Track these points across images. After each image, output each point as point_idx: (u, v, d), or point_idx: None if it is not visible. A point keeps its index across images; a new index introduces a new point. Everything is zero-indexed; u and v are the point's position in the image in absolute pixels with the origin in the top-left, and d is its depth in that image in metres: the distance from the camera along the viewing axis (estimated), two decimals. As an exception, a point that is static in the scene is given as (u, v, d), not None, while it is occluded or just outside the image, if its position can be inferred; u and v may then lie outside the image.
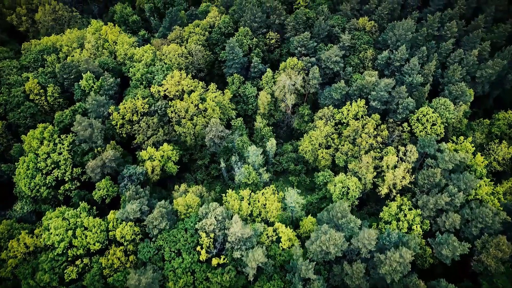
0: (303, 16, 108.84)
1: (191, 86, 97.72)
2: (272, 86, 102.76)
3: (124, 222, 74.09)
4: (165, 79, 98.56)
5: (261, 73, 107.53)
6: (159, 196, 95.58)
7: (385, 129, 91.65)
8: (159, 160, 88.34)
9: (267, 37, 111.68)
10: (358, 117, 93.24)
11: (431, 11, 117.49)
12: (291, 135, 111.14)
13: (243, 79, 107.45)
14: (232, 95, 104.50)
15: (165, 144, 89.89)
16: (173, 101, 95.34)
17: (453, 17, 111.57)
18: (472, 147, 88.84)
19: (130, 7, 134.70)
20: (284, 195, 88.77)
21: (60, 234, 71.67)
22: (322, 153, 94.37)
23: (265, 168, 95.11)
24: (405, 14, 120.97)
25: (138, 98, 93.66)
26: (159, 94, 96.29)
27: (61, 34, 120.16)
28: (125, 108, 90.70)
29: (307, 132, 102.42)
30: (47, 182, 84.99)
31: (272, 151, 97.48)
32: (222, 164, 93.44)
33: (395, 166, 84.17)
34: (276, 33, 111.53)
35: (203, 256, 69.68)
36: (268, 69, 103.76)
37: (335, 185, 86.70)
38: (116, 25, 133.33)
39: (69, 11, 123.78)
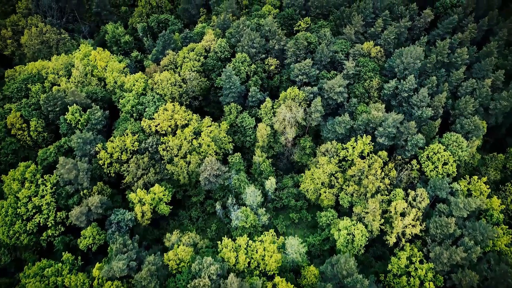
0: (304, 41, 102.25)
1: (185, 119, 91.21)
2: (271, 117, 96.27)
3: (109, 281, 67.63)
4: (157, 111, 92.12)
5: (259, 102, 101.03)
6: (151, 238, 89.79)
7: (393, 169, 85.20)
8: (150, 203, 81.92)
9: (266, 63, 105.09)
10: (363, 154, 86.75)
11: (439, 34, 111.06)
12: (291, 167, 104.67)
13: (241, 108, 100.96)
14: (229, 126, 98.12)
15: (156, 186, 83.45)
16: (165, 137, 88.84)
17: (463, 41, 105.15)
18: (487, 188, 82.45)
19: (122, 27, 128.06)
20: (285, 240, 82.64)
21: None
22: (325, 192, 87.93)
23: (264, 208, 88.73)
24: (412, 35, 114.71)
25: (127, 135, 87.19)
26: (150, 129, 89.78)
27: (48, 59, 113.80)
28: (113, 147, 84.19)
29: (309, 166, 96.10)
30: (28, 229, 78.59)
31: (272, 189, 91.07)
32: (218, 207, 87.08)
33: (404, 213, 77.75)
34: (275, 59, 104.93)
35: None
36: (267, 99, 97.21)
37: (339, 231, 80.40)
38: (106, 49, 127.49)
39: (57, 33, 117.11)
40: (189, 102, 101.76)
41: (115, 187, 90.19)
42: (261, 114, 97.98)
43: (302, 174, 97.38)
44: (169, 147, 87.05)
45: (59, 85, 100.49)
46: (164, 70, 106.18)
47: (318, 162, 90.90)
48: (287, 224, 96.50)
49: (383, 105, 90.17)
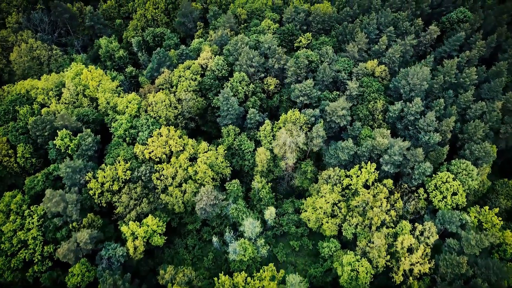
0: (305, 59, 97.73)
1: (180, 145, 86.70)
2: (271, 140, 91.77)
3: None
4: (151, 136, 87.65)
5: (258, 123, 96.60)
6: (145, 269, 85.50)
7: (399, 199, 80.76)
8: (143, 236, 77.44)
9: (265, 82, 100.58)
10: (368, 183, 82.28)
11: (446, 51, 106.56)
12: (292, 191, 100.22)
13: (239, 130, 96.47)
14: (226, 148, 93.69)
15: (150, 217, 78.92)
16: (159, 164, 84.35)
17: (471, 59, 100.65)
18: (500, 220, 78.03)
19: (116, 41, 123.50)
20: (285, 274, 78.37)
21: None
22: (328, 222, 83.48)
23: (263, 240, 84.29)
24: (418, 51, 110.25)
25: (119, 162, 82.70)
26: (143, 156, 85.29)
27: (39, 75, 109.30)
28: (104, 176, 79.69)
29: (310, 192, 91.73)
30: (12, 265, 74.12)
31: (271, 219, 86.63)
32: (215, 239, 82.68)
33: (411, 249, 73.34)
34: (275, 79, 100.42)
35: None
36: (267, 121, 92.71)
37: (342, 265, 76.04)
38: (99, 63, 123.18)
39: (48, 49, 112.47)
40: (184, 124, 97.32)
41: (107, 215, 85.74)
42: (260, 136, 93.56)
43: (303, 199, 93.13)
44: (163, 175, 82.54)
45: (49, 106, 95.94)
46: (159, 90, 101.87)
47: (320, 189, 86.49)
48: (288, 252, 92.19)
49: (389, 131, 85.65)
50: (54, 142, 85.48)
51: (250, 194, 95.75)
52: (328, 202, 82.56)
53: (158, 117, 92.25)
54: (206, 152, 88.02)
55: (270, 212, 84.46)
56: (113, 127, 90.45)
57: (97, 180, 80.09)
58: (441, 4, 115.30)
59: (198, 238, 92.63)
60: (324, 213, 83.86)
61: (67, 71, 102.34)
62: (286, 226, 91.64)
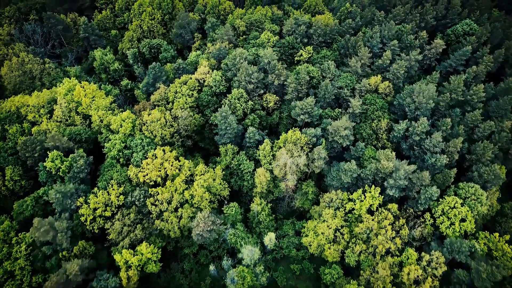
0: (306, 75, 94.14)
1: (176, 167, 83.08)
2: (270, 160, 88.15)
3: None
4: (145, 157, 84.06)
5: (258, 142, 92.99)
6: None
7: (404, 225, 77.18)
8: (138, 265, 73.86)
9: (264, 99, 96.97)
10: (372, 209, 78.68)
11: (451, 65, 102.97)
12: (292, 212, 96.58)
13: (237, 149, 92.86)
14: (225, 167, 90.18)
15: (144, 244, 75.31)
16: (154, 188, 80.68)
17: (478, 75, 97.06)
18: (511, 249, 74.45)
19: (111, 53, 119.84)
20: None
21: None
22: (330, 249, 79.86)
23: (262, 267, 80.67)
24: (422, 65, 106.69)
25: (112, 186, 79.09)
26: (137, 179, 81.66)
27: (31, 90, 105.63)
28: (96, 202, 76.07)
29: (311, 213, 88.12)
30: (-1, 298, 70.60)
31: (271, 244, 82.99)
32: (212, 268, 79.13)
33: (418, 281, 69.77)
34: (274, 95, 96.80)
35: None
36: (266, 140, 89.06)
37: (346, 297, 72.52)
38: (94, 75, 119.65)
39: (40, 62, 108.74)
40: (181, 142, 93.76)
41: (100, 241, 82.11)
42: (259, 155, 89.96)
43: (304, 221, 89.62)
44: (158, 200, 78.93)
45: (40, 125, 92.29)
46: (155, 106, 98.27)
47: (322, 213, 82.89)
48: (288, 276, 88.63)
49: (393, 153, 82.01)
50: (45, 164, 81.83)
51: (249, 215, 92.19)
52: (330, 228, 78.95)
53: (153, 137, 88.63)
54: (203, 174, 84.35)
55: (269, 238, 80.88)
56: (106, 148, 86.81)
57: (88, 206, 76.46)
58: (446, 16, 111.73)
59: (195, 261, 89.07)
60: (326, 239, 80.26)
61: (59, 86, 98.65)
62: (286, 249, 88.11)
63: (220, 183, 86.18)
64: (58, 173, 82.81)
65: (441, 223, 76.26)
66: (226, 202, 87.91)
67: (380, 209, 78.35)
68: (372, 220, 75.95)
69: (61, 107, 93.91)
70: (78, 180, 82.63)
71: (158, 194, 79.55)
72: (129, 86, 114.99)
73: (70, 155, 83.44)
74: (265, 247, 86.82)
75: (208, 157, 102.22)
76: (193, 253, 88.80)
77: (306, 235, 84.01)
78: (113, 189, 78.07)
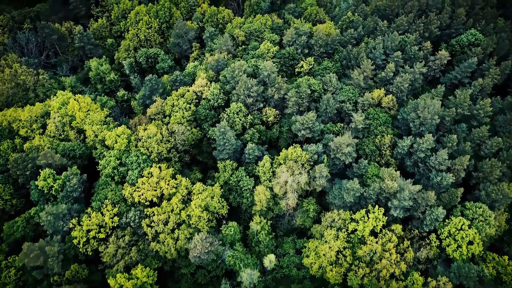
0: (307, 88, 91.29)
1: (172, 186, 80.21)
2: (270, 177, 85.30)
3: None
4: (141, 175, 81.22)
5: (257, 158, 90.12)
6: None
7: (409, 248, 74.35)
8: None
9: (264, 113, 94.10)
10: (376, 230, 75.81)
11: (456, 77, 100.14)
12: (292, 229, 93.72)
13: (236, 164, 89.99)
14: (223, 183, 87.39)
15: (139, 267, 72.44)
16: (149, 208, 77.84)
17: (484, 88, 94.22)
18: (519, 272, 71.71)
19: (107, 63, 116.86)
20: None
21: None
22: (332, 271, 77.01)
23: (261, 287, 78.02)
24: (427, 76, 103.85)
25: (106, 206, 76.24)
26: (132, 198, 78.80)
27: (24, 103, 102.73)
28: (89, 224, 73.21)
29: (312, 232, 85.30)
30: (-13, 326, 67.79)
31: (271, 266, 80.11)
32: (209, 292, 76.36)
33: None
34: (274, 109, 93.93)
35: None
36: (265, 157, 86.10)
37: (349, 323, 69.69)
38: (90, 86, 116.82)
39: (33, 74, 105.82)
40: (178, 158, 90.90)
41: (94, 262, 79.27)
42: (258, 171, 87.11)
43: (304, 239, 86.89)
44: (154, 221, 76.07)
45: (32, 140, 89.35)
46: (151, 120, 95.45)
47: (323, 234, 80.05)
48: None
49: (398, 172, 79.15)
50: (36, 183, 78.96)
51: (248, 233, 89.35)
52: (332, 249, 76.10)
53: (149, 153, 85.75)
54: (200, 193, 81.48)
55: (269, 260, 78.05)
56: (100, 165, 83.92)
57: (82, 228, 73.60)
58: (451, 26, 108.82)
59: (192, 281, 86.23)
60: (327, 260, 77.41)
61: (53, 99, 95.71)
62: (286, 269, 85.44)
63: (219, 201, 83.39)
64: (51, 191, 79.95)
65: (447, 246, 73.45)
66: (224, 222, 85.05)
67: (384, 230, 75.49)
68: (376, 242, 73.10)
69: (54, 122, 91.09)
70: (71, 200, 79.80)
71: (154, 214, 76.70)
72: (125, 97, 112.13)
73: (63, 173, 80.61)
74: (265, 267, 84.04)
75: (206, 170, 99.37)
76: (190, 273, 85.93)
77: (307, 256, 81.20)
78: (107, 210, 75.23)
